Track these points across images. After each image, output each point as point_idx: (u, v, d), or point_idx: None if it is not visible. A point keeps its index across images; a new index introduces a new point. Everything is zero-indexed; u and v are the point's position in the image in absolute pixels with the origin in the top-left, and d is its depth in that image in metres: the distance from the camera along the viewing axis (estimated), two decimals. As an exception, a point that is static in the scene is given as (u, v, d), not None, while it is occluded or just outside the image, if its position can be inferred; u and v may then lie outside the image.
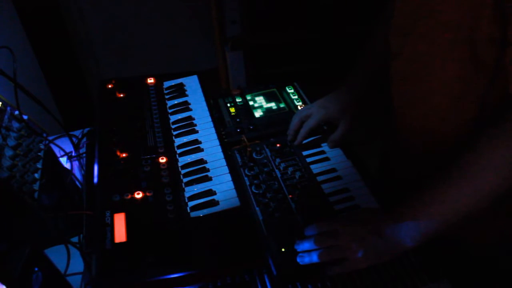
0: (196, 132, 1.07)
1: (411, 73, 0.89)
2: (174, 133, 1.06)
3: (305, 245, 0.79)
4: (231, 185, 0.92)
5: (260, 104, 1.24)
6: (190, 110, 1.14)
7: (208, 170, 0.95)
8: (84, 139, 1.21)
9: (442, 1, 0.76)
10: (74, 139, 1.20)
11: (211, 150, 1.01)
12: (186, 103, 1.16)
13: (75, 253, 0.93)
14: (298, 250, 0.80)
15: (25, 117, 1.01)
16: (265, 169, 1.00)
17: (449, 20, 0.75)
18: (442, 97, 0.84)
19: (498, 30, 0.70)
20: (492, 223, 0.91)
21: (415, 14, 0.82)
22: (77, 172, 1.15)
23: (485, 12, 0.70)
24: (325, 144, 1.07)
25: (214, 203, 0.87)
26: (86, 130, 1.25)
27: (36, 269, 0.76)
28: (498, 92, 0.75)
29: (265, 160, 1.03)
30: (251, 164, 1.01)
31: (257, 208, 0.91)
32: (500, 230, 0.92)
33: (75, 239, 0.94)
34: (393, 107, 0.98)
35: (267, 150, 1.06)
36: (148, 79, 1.25)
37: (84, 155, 1.17)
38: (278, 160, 1.02)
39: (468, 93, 0.79)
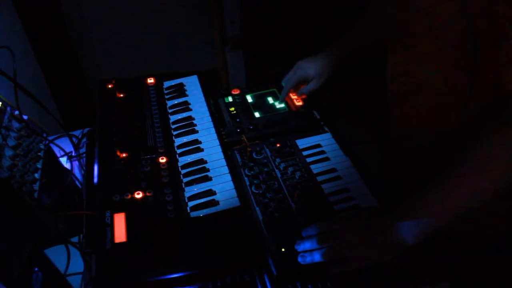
0: (196, 132, 1.07)
1: (403, 69, 0.92)
2: (174, 133, 1.06)
3: (307, 245, 0.79)
4: (231, 185, 0.92)
5: (260, 104, 1.24)
6: (190, 110, 1.14)
7: (208, 170, 0.96)
8: (84, 139, 1.21)
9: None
10: (74, 139, 1.20)
11: (211, 150, 1.01)
12: (186, 103, 1.16)
13: (75, 253, 0.93)
14: (299, 250, 0.80)
15: (25, 117, 1.01)
16: (265, 169, 1.00)
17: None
18: (429, 98, 0.88)
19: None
20: (492, 222, 0.91)
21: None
22: (77, 172, 1.15)
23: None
24: (325, 144, 1.07)
25: (214, 203, 0.87)
26: (86, 130, 1.25)
27: (36, 269, 0.76)
28: (485, 94, 0.77)
29: (265, 160, 1.03)
30: (251, 164, 1.01)
31: (257, 208, 0.91)
32: (500, 229, 0.92)
33: (75, 239, 0.94)
34: (390, 107, 0.99)
35: (267, 150, 1.06)
36: (148, 79, 1.25)
37: (84, 155, 1.17)
38: (278, 160, 1.02)
39: (453, 93, 0.82)
